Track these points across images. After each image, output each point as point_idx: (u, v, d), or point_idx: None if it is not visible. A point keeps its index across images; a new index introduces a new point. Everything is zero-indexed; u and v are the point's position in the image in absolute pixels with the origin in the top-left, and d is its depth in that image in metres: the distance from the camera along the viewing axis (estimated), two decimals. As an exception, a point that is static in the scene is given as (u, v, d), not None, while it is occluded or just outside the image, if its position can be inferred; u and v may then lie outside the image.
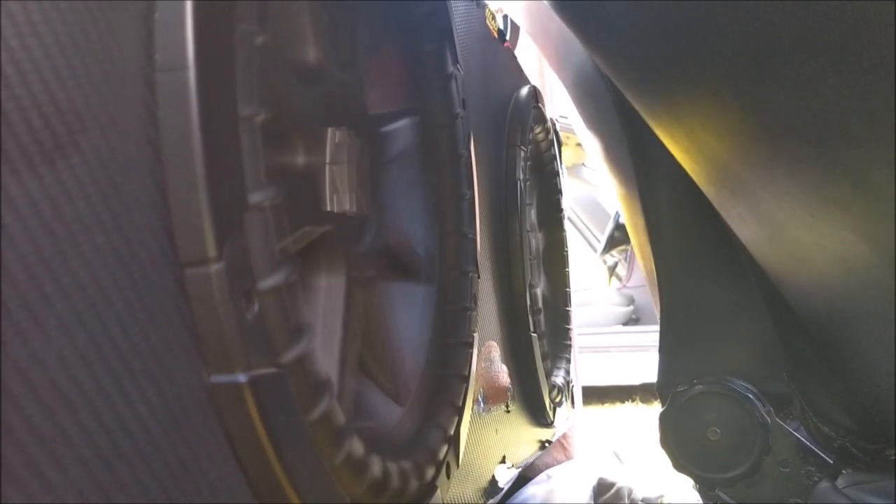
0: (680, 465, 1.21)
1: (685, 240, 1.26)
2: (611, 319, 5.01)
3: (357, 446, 0.59)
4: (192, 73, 0.45)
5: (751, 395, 1.15)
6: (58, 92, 0.38)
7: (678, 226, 1.27)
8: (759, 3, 0.58)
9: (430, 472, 0.76)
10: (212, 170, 0.45)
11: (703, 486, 1.20)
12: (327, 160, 0.74)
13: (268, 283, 0.50)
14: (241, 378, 0.46)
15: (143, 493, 0.40)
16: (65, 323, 0.37)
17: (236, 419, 0.47)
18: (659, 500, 1.88)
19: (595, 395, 4.35)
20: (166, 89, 0.45)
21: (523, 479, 1.64)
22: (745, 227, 0.91)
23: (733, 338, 1.20)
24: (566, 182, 2.11)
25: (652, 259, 1.30)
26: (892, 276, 0.64)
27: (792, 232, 0.73)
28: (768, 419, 1.13)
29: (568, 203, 5.14)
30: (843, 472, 1.02)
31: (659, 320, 1.29)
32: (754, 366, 1.17)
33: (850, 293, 0.76)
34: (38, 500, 0.34)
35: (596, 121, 1.47)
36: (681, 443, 1.20)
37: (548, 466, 1.84)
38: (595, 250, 5.21)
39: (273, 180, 0.52)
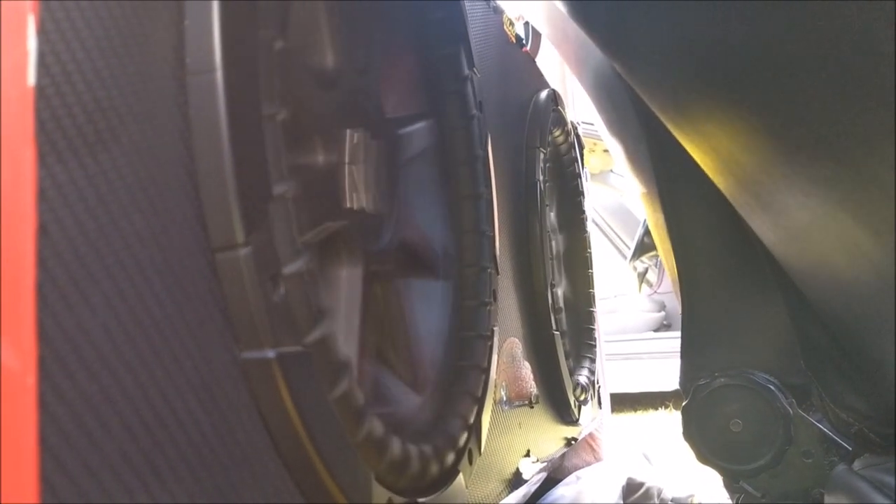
0: (703, 458, 1.22)
1: (705, 236, 1.28)
2: (642, 326, 4.98)
3: (377, 426, 0.63)
4: (219, 75, 0.49)
5: (772, 387, 1.17)
6: (99, 90, 0.42)
7: (698, 222, 1.29)
8: (773, 17, 0.61)
9: (450, 458, 0.79)
10: (239, 163, 0.49)
11: (728, 478, 1.21)
12: (346, 160, 0.77)
13: (291, 268, 0.53)
14: (270, 354, 0.50)
15: (181, 456, 0.44)
16: (108, 297, 0.40)
17: (266, 393, 0.50)
18: (689, 500, 1.88)
19: (627, 402, 4.33)
20: (196, 90, 0.49)
21: (552, 480, 1.66)
22: (755, 216, 0.93)
23: (754, 331, 1.21)
24: (589, 185, 2.13)
25: (673, 256, 1.32)
26: (887, 254, 0.66)
27: (793, 214, 0.76)
28: (790, 410, 1.14)
29: (596, 209, 5.12)
30: (862, 457, 1.03)
31: (681, 316, 1.31)
32: (775, 358, 1.18)
33: (851, 274, 0.78)
34: (84, 456, 0.38)
35: (615, 122, 1.50)
36: (704, 435, 1.22)
37: (577, 468, 1.85)
38: (625, 257, 5.18)
39: (294, 175, 0.56)
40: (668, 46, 0.79)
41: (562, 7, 1.06)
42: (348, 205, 0.77)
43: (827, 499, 1.03)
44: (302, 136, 0.71)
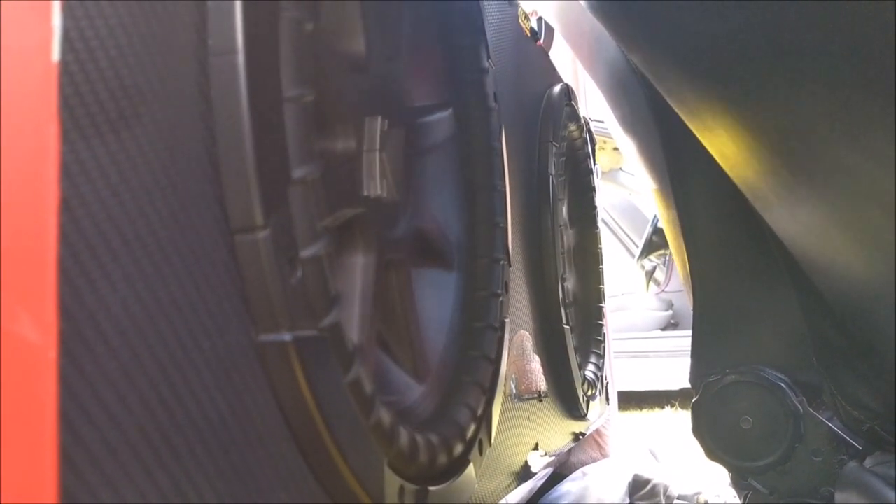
0: (712, 454, 1.22)
1: (718, 232, 1.28)
2: (649, 324, 4.98)
3: (385, 416, 0.62)
4: (241, 57, 0.49)
5: (782, 384, 1.16)
6: (122, 68, 0.42)
7: (710, 219, 1.29)
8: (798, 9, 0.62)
9: (458, 448, 0.79)
10: (259, 145, 0.49)
11: (736, 475, 1.21)
12: (365, 147, 0.77)
13: (309, 252, 0.53)
14: (287, 337, 0.50)
15: (198, 434, 0.44)
16: (128, 274, 0.41)
17: (282, 375, 0.50)
18: (695, 498, 1.88)
19: (633, 400, 4.33)
20: (218, 71, 0.49)
21: (558, 476, 1.66)
22: (771, 209, 0.93)
23: (765, 328, 1.21)
24: (601, 183, 2.13)
25: (685, 252, 1.32)
26: None
27: (810, 204, 0.75)
28: (800, 407, 1.14)
29: (605, 208, 5.10)
30: (872, 455, 1.03)
31: (692, 312, 1.31)
32: (786, 355, 1.18)
33: (868, 266, 0.77)
34: (101, 428, 0.38)
35: (629, 117, 1.49)
36: (713, 431, 1.22)
37: (583, 464, 1.85)
38: (633, 255, 5.18)
39: (315, 158, 0.56)
40: (690, 39, 0.79)
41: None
42: (366, 192, 0.77)
43: (837, 495, 1.03)
44: (324, 120, 0.71)
